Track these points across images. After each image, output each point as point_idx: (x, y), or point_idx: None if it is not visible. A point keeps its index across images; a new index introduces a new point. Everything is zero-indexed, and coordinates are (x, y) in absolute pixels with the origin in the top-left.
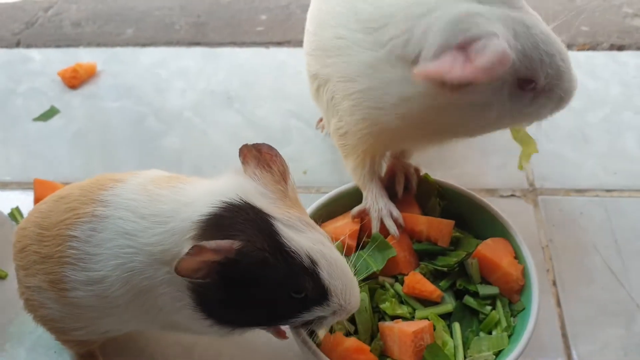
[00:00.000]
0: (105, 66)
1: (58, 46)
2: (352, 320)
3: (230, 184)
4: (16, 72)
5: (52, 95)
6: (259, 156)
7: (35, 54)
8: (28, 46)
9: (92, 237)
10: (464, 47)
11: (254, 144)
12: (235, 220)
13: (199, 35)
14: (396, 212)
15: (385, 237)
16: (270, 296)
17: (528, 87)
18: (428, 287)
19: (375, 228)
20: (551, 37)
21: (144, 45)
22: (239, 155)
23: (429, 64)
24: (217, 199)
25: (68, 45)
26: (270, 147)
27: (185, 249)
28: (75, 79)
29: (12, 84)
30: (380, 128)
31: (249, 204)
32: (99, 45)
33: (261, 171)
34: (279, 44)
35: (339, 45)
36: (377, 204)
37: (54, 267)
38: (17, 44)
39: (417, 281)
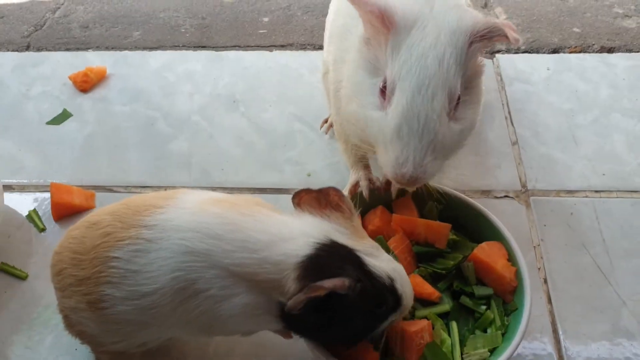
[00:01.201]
0: (115, 69)
1: (68, 49)
2: None
3: (314, 225)
4: (28, 76)
5: (63, 98)
6: (327, 199)
7: (45, 57)
8: (38, 49)
9: (138, 257)
10: None
11: (319, 190)
12: (332, 259)
13: (204, 39)
14: (378, 182)
15: (387, 240)
16: (357, 314)
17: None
18: (427, 289)
19: (365, 193)
20: None
21: (151, 48)
22: (293, 199)
23: None
24: (311, 240)
25: (77, 48)
26: (336, 189)
27: (292, 286)
28: (87, 83)
29: (24, 87)
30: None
31: (337, 242)
32: (107, 48)
33: (331, 211)
34: (282, 46)
35: (339, 32)
36: (363, 174)
37: (92, 288)
38: (27, 47)
39: (417, 283)
